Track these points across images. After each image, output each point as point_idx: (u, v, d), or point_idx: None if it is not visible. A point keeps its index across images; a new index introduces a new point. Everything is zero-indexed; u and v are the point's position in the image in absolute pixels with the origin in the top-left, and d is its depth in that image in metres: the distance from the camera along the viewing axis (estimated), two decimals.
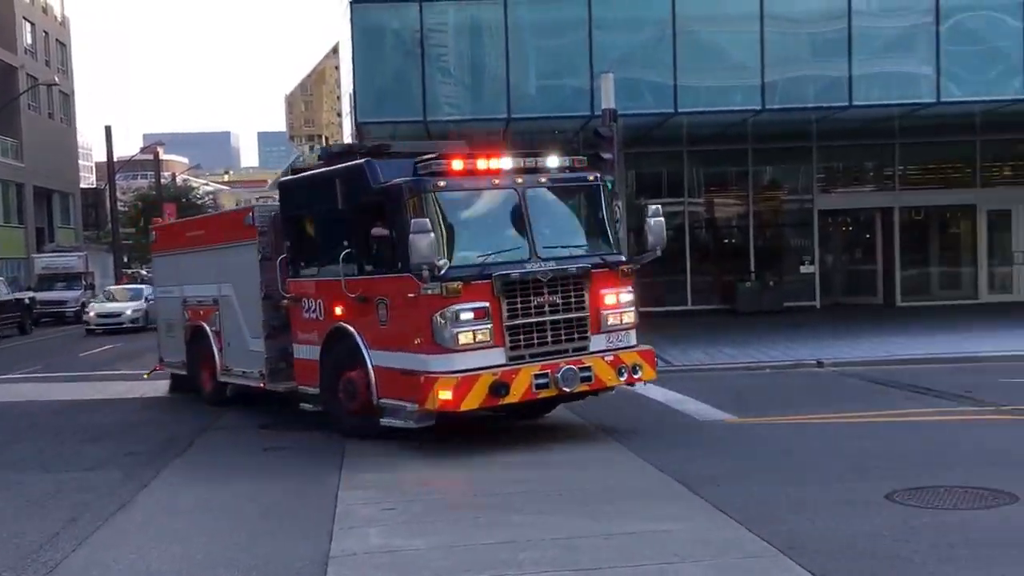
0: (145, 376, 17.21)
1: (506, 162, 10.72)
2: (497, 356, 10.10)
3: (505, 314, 10.13)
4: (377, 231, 10.65)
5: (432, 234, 9.61)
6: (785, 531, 6.98)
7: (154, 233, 17.03)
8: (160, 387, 16.78)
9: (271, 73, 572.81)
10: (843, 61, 20.19)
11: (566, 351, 10.49)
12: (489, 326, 10.02)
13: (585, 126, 21.02)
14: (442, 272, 9.84)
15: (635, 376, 10.89)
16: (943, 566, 6.23)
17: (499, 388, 9.92)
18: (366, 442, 10.84)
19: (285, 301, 12.09)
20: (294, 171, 13.24)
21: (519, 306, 10.23)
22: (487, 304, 10.02)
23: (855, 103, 20.43)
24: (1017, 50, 19.97)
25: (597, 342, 10.71)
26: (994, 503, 7.56)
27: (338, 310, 11.15)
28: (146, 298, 31.43)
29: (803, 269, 27.26)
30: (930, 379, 14.08)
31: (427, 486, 9.21)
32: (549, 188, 11.01)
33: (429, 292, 9.89)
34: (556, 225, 11.06)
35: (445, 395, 9.79)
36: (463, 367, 9.90)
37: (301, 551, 7.11)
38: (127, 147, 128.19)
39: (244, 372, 13.09)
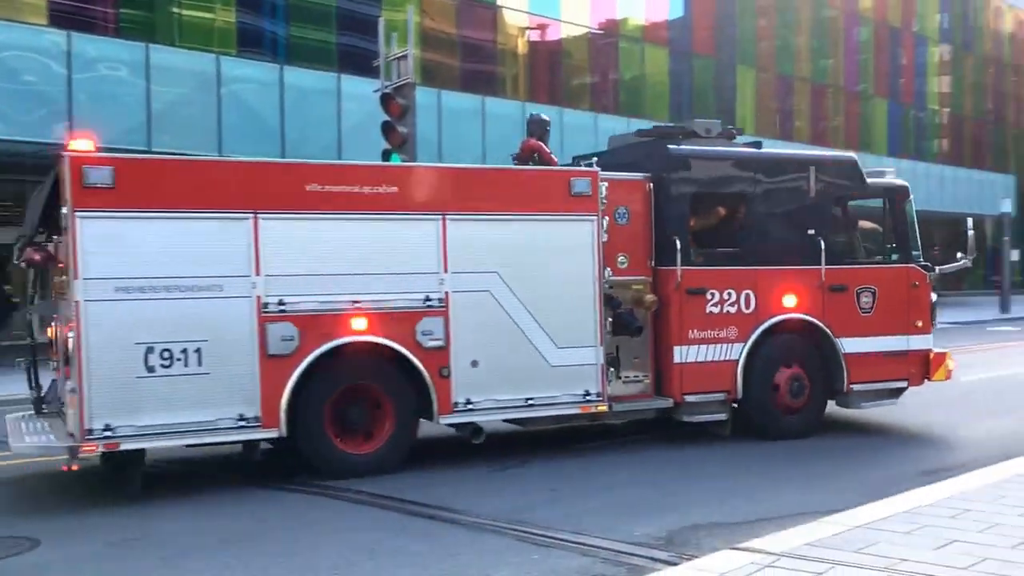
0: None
1: None
2: None
3: None
4: (867, 224, 12.25)
5: None
6: None
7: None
8: None
9: None
10: None
11: None
12: None
13: None
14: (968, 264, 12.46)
15: None
16: None
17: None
18: None
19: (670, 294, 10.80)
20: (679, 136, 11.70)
21: None
22: None
23: None
24: (63, 96, 20.14)
25: None
26: (17, 550, 7.09)
27: (788, 301, 11.18)
28: None
29: None
30: None
31: None
32: None
33: (933, 280, 11.79)
34: None
35: (951, 365, 11.78)
36: None
37: None
38: None
39: (531, 400, 10.15)
